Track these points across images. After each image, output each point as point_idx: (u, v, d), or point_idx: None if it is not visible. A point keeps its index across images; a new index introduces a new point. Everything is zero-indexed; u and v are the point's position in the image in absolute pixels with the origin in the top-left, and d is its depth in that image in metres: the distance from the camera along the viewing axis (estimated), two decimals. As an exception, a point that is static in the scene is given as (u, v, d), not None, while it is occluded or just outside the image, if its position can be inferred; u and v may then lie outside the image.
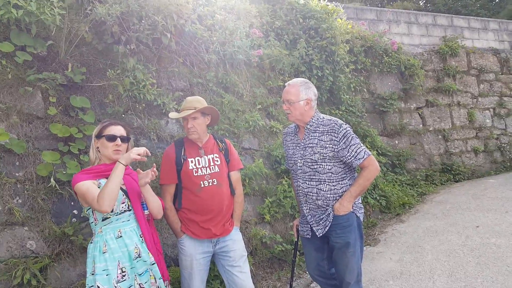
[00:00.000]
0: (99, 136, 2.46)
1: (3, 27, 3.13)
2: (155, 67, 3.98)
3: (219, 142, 2.99)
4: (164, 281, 2.46)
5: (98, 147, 2.47)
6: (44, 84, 3.15)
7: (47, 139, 3.13)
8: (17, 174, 2.89)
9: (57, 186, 2.95)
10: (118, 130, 2.48)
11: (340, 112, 6.75)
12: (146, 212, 2.50)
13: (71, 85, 3.37)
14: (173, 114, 2.95)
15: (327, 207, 2.74)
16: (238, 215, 3.00)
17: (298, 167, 2.82)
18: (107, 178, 2.35)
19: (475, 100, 9.99)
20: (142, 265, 2.34)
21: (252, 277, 3.98)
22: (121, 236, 2.33)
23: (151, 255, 2.39)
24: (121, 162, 2.25)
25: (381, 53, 8.17)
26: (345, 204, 2.69)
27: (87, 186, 2.26)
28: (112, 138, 2.43)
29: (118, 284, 2.25)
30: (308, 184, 2.77)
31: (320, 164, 2.72)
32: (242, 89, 5.02)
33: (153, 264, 2.39)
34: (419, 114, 8.87)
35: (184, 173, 2.78)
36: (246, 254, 2.96)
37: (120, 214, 2.37)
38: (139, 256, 2.35)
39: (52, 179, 2.94)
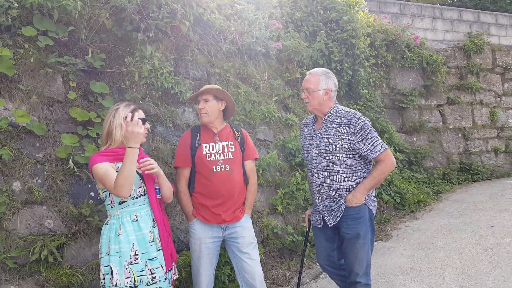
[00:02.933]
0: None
1: (26, 12, 3.20)
2: (173, 55, 4.01)
3: (235, 131, 3.03)
4: (172, 262, 2.52)
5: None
6: (64, 68, 3.22)
7: (67, 122, 3.21)
8: (37, 155, 2.99)
9: (75, 168, 3.03)
10: (143, 114, 2.56)
11: (358, 107, 6.67)
12: (159, 196, 2.55)
13: (91, 71, 3.43)
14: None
15: (340, 198, 2.74)
16: (250, 203, 3.04)
17: (313, 157, 2.83)
18: None
19: (499, 99, 9.71)
20: (153, 250, 2.39)
21: (262, 265, 4.01)
22: (137, 220, 2.39)
23: (158, 241, 2.44)
24: (134, 146, 2.25)
25: (403, 48, 8.02)
26: (358, 196, 2.69)
27: (105, 169, 2.30)
28: (144, 122, 2.47)
29: (129, 266, 2.30)
30: (322, 175, 2.78)
31: (335, 155, 2.72)
32: (259, 80, 5.02)
33: (159, 250, 2.42)
34: (439, 111, 8.69)
35: (198, 157, 2.83)
36: (256, 241, 2.99)
37: (137, 198, 2.42)
38: (153, 240, 2.40)
39: (70, 161, 3.01)
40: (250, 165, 3.06)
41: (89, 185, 3.14)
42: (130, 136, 2.25)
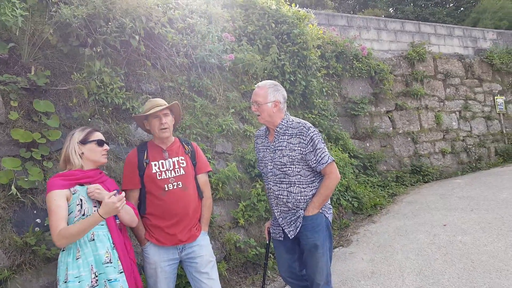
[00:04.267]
0: (85, 141, 2.46)
1: (-40, 29, 2.95)
2: (123, 70, 3.84)
3: (185, 145, 2.91)
4: None
5: (82, 153, 2.44)
6: (4, 87, 2.97)
7: (8, 145, 2.94)
8: (-26, 182, 2.71)
9: (18, 194, 2.77)
10: (101, 135, 2.55)
11: (313, 116, 6.76)
12: (118, 221, 2.43)
13: (35, 89, 3.19)
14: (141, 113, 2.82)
15: (297, 209, 2.73)
16: (206, 218, 2.90)
17: (269, 170, 2.81)
18: (81, 185, 2.34)
19: (442, 103, 10.24)
20: (112, 272, 2.26)
21: (225, 282, 3.90)
22: (93, 239, 2.27)
23: (120, 263, 2.32)
24: (103, 216, 2.21)
25: (352, 59, 8.26)
26: (310, 214, 2.71)
27: (57, 206, 2.21)
28: (102, 143, 2.51)
29: None
30: (279, 187, 2.76)
31: (289, 167, 2.71)
32: (215, 93, 4.94)
33: (121, 272, 2.30)
34: (389, 117, 9.00)
35: (147, 176, 2.68)
36: (214, 259, 2.86)
37: None
38: (110, 261, 2.27)
39: (13, 187, 2.76)
40: (203, 178, 2.94)
41: (35, 211, 2.88)
42: (110, 209, 2.20)
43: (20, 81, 3.05)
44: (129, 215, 2.48)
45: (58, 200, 2.21)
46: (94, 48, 3.48)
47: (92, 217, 2.20)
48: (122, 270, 2.31)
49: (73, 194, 2.29)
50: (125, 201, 2.27)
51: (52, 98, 3.29)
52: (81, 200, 2.29)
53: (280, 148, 2.75)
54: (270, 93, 2.78)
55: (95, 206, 2.32)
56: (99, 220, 2.20)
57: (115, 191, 2.41)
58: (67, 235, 2.15)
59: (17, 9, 3.09)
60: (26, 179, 2.84)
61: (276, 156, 2.76)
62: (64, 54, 3.50)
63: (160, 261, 2.67)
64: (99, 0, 3.48)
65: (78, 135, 2.47)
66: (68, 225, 2.25)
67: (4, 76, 2.99)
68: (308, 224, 2.70)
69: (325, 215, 2.76)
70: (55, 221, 2.18)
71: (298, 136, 2.71)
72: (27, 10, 3.25)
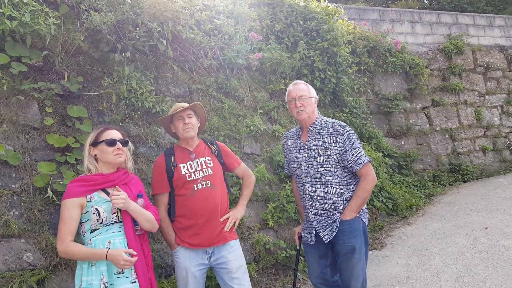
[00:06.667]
0: (95, 143, 2.39)
1: (-2, 39, 3.12)
2: (153, 74, 3.94)
3: (210, 146, 2.94)
4: None
5: (95, 155, 2.39)
6: (39, 94, 3.12)
7: (44, 149, 3.10)
8: (13, 186, 2.87)
9: (54, 197, 2.91)
10: (115, 134, 2.44)
11: (344, 114, 6.66)
12: (137, 227, 2.39)
13: (68, 95, 3.34)
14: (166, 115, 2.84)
15: (334, 211, 2.69)
16: (246, 195, 3.02)
17: (303, 171, 2.78)
18: (103, 190, 2.32)
19: (482, 98, 9.82)
20: (123, 282, 2.24)
21: (255, 284, 3.93)
22: (109, 248, 2.25)
23: (133, 273, 2.28)
24: (108, 258, 2.19)
25: (385, 53, 8.08)
26: (348, 218, 2.68)
27: (69, 217, 2.21)
28: (112, 143, 2.38)
29: None
30: (315, 188, 2.73)
31: (326, 167, 2.69)
32: (242, 93, 4.98)
33: (134, 282, 2.27)
34: (425, 114, 8.74)
35: (177, 179, 2.72)
36: (245, 263, 2.85)
37: (110, 225, 2.30)
38: (121, 272, 2.24)
39: (49, 190, 2.90)
40: (240, 169, 3.04)
41: (70, 214, 3.01)
42: (116, 261, 2.18)
43: (54, 87, 3.19)
44: (149, 222, 2.42)
45: (71, 210, 2.21)
46: (123, 53, 3.60)
47: (100, 252, 2.19)
48: (135, 280, 2.27)
49: (88, 202, 2.26)
50: (132, 264, 2.23)
51: (85, 103, 3.43)
52: (97, 210, 2.26)
53: (315, 147, 2.73)
54: (311, 88, 2.84)
55: (114, 213, 2.30)
56: (103, 258, 2.19)
57: (140, 198, 2.39)
58: (71, 253, 2.20)
59: (50, 18, 3.24)
60: (61, 183, 2.96)
61: (311, 156, 2.74)
62: (96, 60, 3.64)
63: (191, 265, 2.68)
64: (127, 6, 3.60)
65: (91, 137, 2.40)
66: (85, 231, 2.27)
67: (39, 83, 3.14)
68: (345, 229, 2.66)
69: (362, 219, 2.72)
70: (63, 232, 2.20)
71: (334, 135, 2.70)
72: (59, 19, 3.40)
